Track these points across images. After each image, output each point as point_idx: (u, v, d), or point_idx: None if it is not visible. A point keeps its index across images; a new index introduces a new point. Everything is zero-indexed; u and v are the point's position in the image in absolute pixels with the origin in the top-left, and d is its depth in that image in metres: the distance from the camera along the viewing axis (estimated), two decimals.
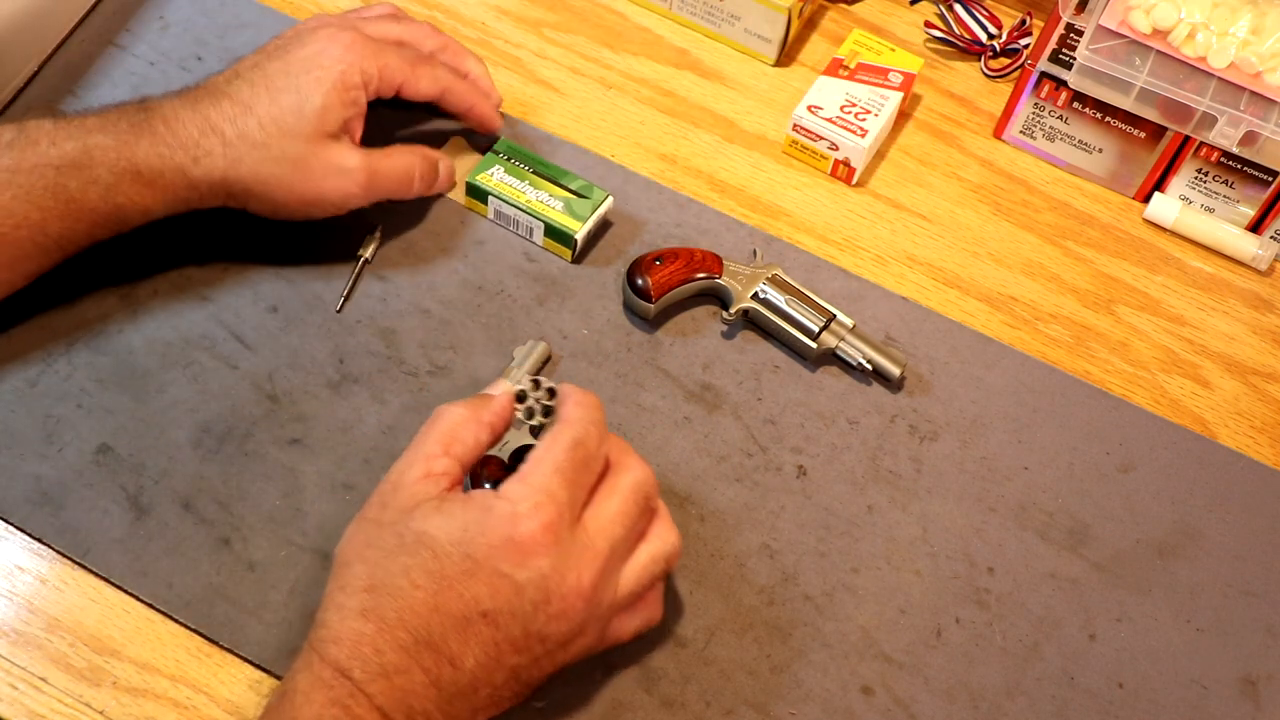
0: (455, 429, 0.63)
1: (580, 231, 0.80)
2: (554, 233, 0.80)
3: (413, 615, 0.57)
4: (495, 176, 0.81)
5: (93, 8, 0.89)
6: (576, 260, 0.81)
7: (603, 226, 0.83)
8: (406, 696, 0.56)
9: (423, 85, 0.76)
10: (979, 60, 0.96)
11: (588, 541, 0.60)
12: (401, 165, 0.77)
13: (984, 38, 0.95)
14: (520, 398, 0.70)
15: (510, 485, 0.60)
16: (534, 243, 0.81)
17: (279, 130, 0.71)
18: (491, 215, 0.82)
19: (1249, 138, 0.82)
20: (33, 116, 0.70)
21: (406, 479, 0.61)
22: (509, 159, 0.82)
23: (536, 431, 0.71)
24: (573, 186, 0.81)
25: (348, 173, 0.73)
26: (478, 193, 0.81)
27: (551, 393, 0.71)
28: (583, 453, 0.61)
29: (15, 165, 0.67)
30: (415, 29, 0.80)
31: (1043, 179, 0.91)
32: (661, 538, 0.64)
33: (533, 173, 0.81)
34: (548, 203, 0.80)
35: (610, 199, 0.81)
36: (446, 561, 0.58)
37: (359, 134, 0.75)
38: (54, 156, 0.68)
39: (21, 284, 0.71)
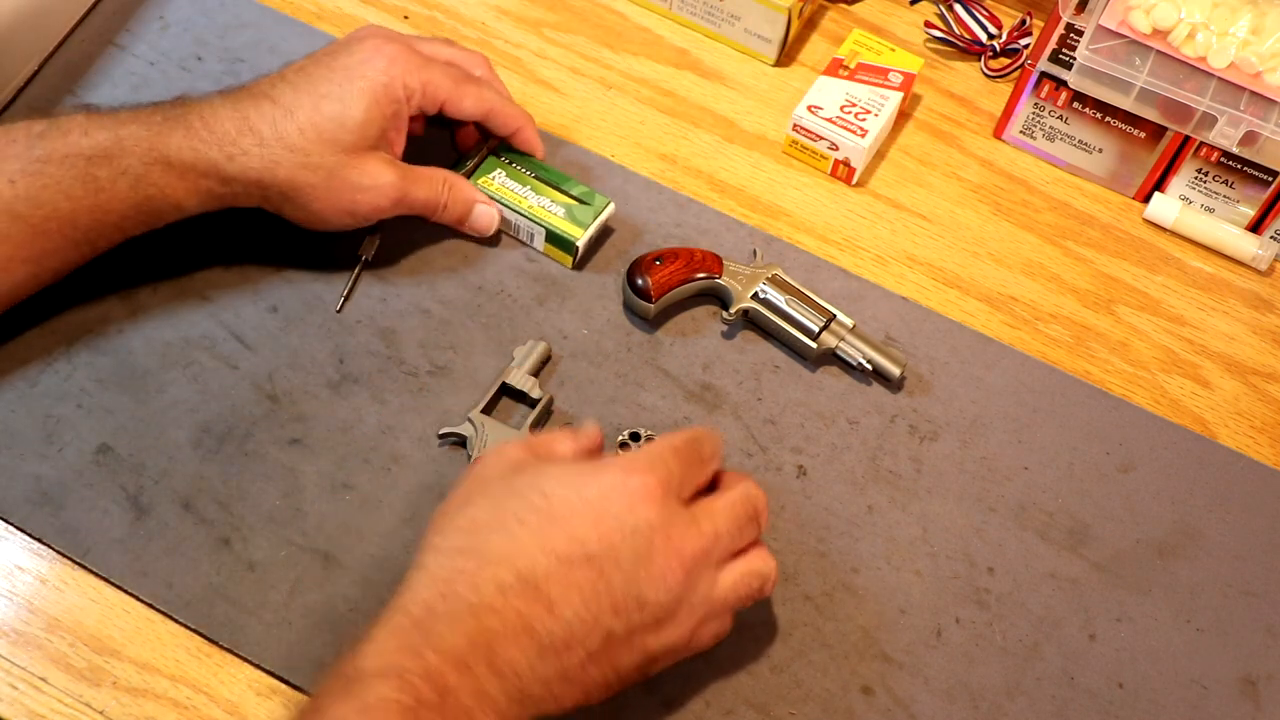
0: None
1: (582, 238, 0.79)
2: (555, 239, 0.80)
3: (518, 552, 0.56)
4: (497, 181, 0.81)
5: (92, 7, 0.89)
6: (577, 267, 0.81)
7: (604, 233, 0.83)
8: (493, 640, 0.54)
9: (467, 104, 0.76)
10: (979, 60, 0.96)
11: (692, 519, 0.60)
12: (433, 192, 0.76)
13: (984, 38, 0.95)
14: (622, 446, 0.72)
15: (624, 454, 0.61)
16: (534, 248, 0.81)
17: (319, 137, 0.70)
18: None
19: (1249, 138, 0.82)
20: (64, 111, 0.70)
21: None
22: (510, 163, 0.81)
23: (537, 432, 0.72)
24: (574, 192, 0.81)
25: (380, 189, 0.73)
26: None
27: (651, 440, 0.72)
28: (698, 448, 0.62)
29: (47, 155, 0.67)
30: (466, 55, 0.79)
31: (1043, 179, 0.91)
32: (763, 559, 0.63)
33: (534, 177, 0.81)
34: (549, 209, 0.80)
35: (611, 205, 0.81)
36: (556, 501, 0.57)
37: (399, 148, 0.75)
38: (85, 146, 0.67)
39: (49, 279, 0.70)
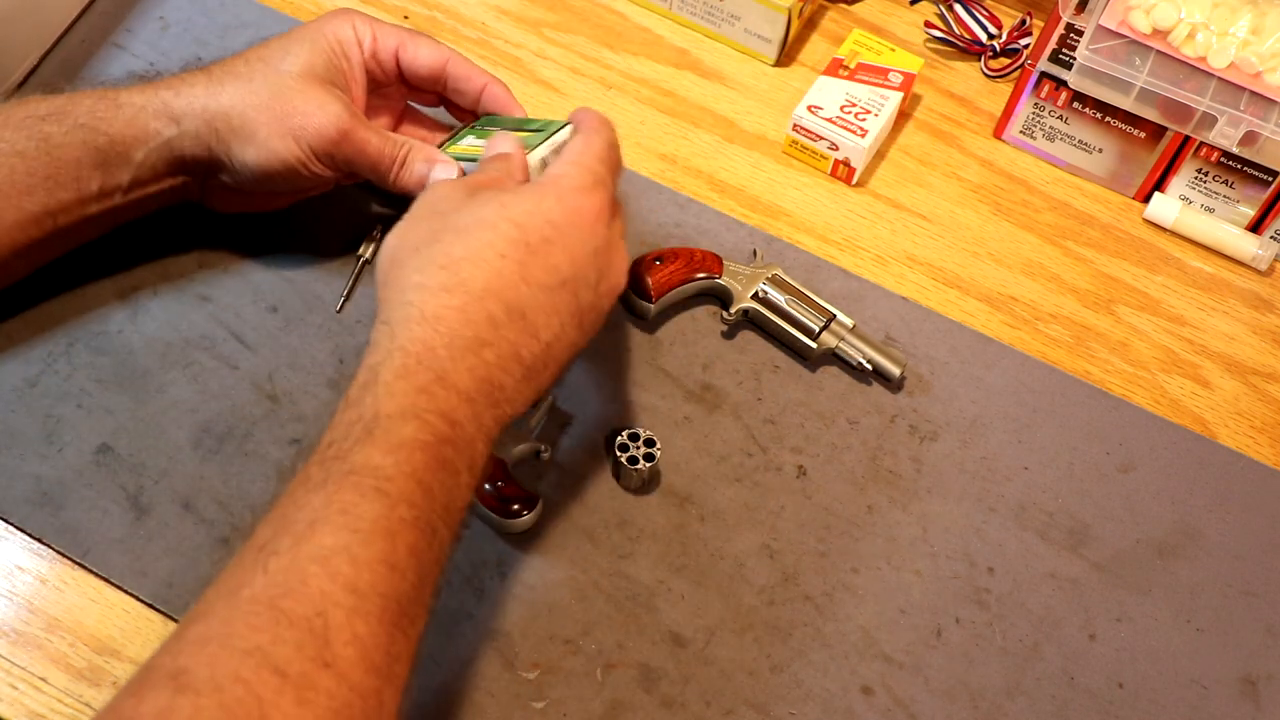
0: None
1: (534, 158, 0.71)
2: None
3: (503, 285, 0.58)
4: (463, 143, 0.76)
5: (90, 4, 0.89)
6: None
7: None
8: (490, 372, 0.57)
9: (423, 52, 0.74)
10: (979, 60, 0.96)
11: (620, 218, 0.65)
12: (387, 143, 0.72)
13: (984, 38, 0.95)
14: (622, 448, 0.71)
15: (562, 168, 0.62)
16: None
17: (264, 65, 0.71)
18: None
19: (1249, 138, 0.82)
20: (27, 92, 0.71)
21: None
22: (483, 128, 0.77)
23: (538, 445, 0.72)
24: (532, 127, 0.74)
25: (326, 116, 0.69)
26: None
27: (651, 442, 0.72)
28: (616, 155, 0.66)
29: (3, 121, 0.67)
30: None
31: (1043, 179, 0.91)
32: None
33: (501, 130, 0.74)
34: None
35: (569, 128, 0.71)
36: (530, 231, 0.59)
37: (359, 99, 0.74)
38: (40, 109, 0.68)
39: (15, 264, 0.70)
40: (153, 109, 0.69)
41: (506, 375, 0.58)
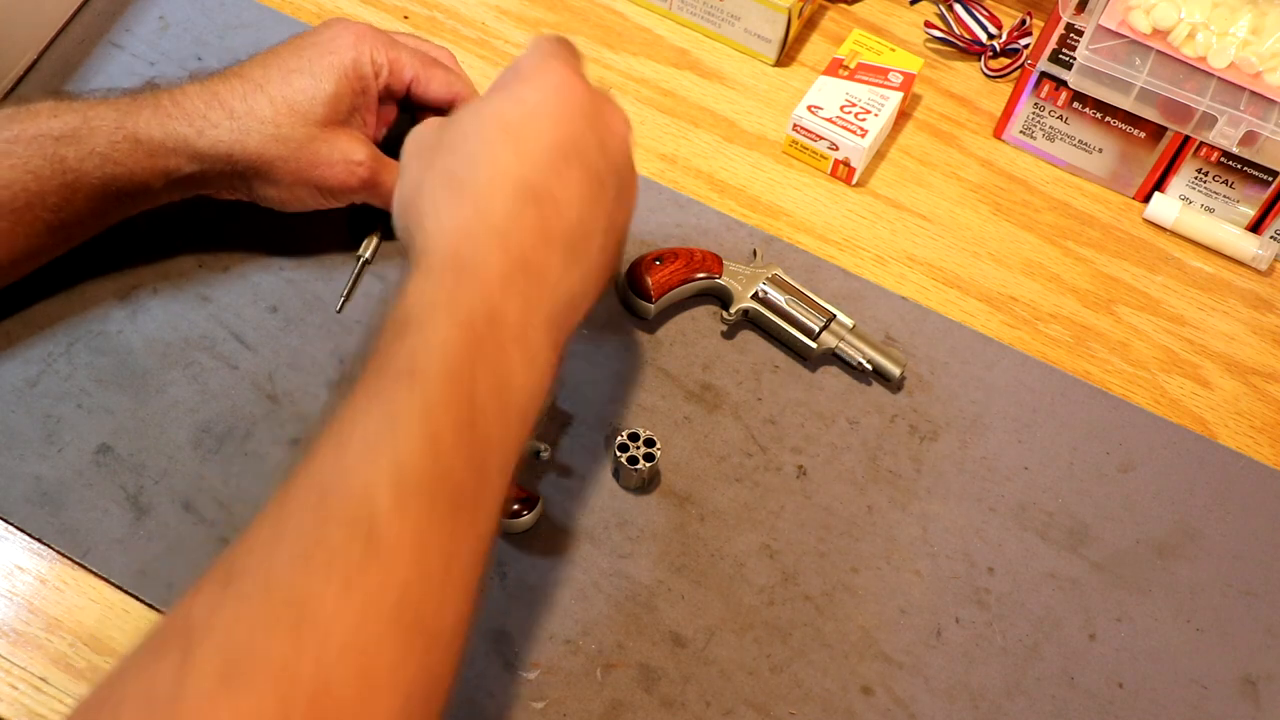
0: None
1: None
2: None
3: (508, 171, 0.58)
4: None
5: (86, 1, 0.88)
6: None
7: None
8: (524, 253, 0.57)
9: (434, 85, 0.75)
10: (979, 60, 0.96)
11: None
12: None
13: (984, 38, 0.95)
14: (622, 448, 0.71)
15: (530, 58, 0.62)
16: None
17: (290, 110, 0.71)
18: None
19: (1249, 138, 0.82)
20: (36, 97, 0.71)
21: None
22: None
23: (538, 445, 0.72)
24: None
25: (352, 166, 0.73)
26: None
27: (651, 442, 0.72)
28: (567, 44, 0.66)
29: (15, 136, 0.67)
30: (432, 47, 0.79)
31: (1043, 179, 0.91)
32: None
33: None
34: None
35: None
36: (506, 114, 0.60)
37: (371, 129, 0.75)
38: (54, 128, 0.68)
39: (23, 267, 0.70)
40: (172, 145, 0.69)
41: (542, 254, 0.57)
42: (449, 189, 0.58)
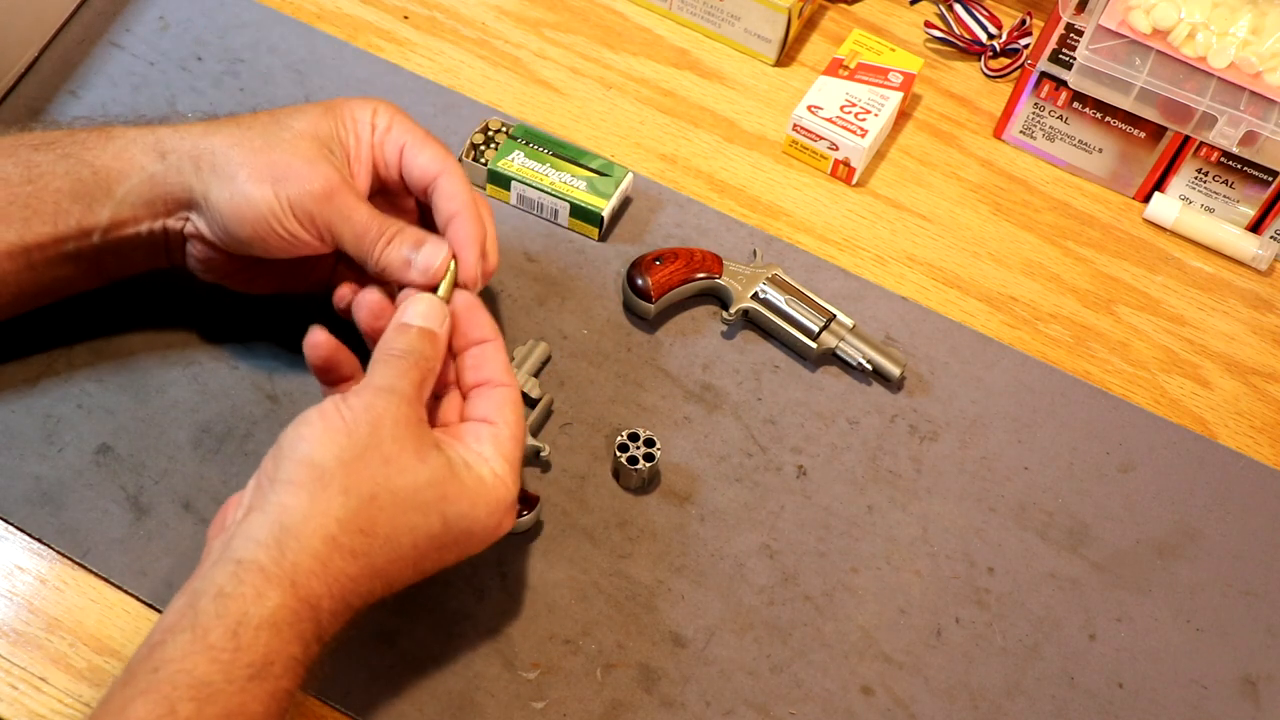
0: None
1: (606, 209, 0.81)
2: (580, 213, 0.81)
3: (401, 568, 0.59)
4: (516, 161, 0.82)
5: (84, 1, 0.89)
6: (603, 238, 0.82)
7: (625, 202, 0.84)
8: (352, 601, 0.58)
9: (421, 158, 0.68)
10: (979, 60, 0.96)
11: None
12: (377, 218, 0.66)
13: (984, 38, 0.95)
14: (622, 448, 0.72)
15: (501, 464, 0.62)
16: (559, 224, 0.82)
17: (269, 118, 0.68)
18: (514, 200, 0.83)
19: (1249, 138, 0.82)
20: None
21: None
22: (527, 143, 0.83)
23: (538, 445, 0.72)
24: (593, 165, 0.82)
25: (317, 170, 0.65)
26: (500, 179, 0.82)
27: (650, 442, 0.72)
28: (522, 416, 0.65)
29: None
30: (471, 193, 0.70)
31: (1043, 179, 0.91)
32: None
33: (552, 155, 0.82)
34: (571, 183, 0.81)
35: (631, 175, 0.83)
36: (450, 531, 0.60)
37: (362, 185, 0.68)
38: (33, 138, 0.67)
39: None
40: (143, 143, 0.67)
41: (359, 601, 0.59)
42: (360, 540, 0.58)
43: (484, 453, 0.62)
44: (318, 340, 0.65)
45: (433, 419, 0.65)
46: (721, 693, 0.67)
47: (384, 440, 0.58)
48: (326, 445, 0.58)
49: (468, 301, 0.66)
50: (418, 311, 0.64)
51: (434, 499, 0.59)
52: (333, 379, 0.66)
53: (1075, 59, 0.83)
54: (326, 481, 0.57)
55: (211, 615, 0.54)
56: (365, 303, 0.67)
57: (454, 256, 0.66)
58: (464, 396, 0.65)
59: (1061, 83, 0.86)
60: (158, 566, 0.68)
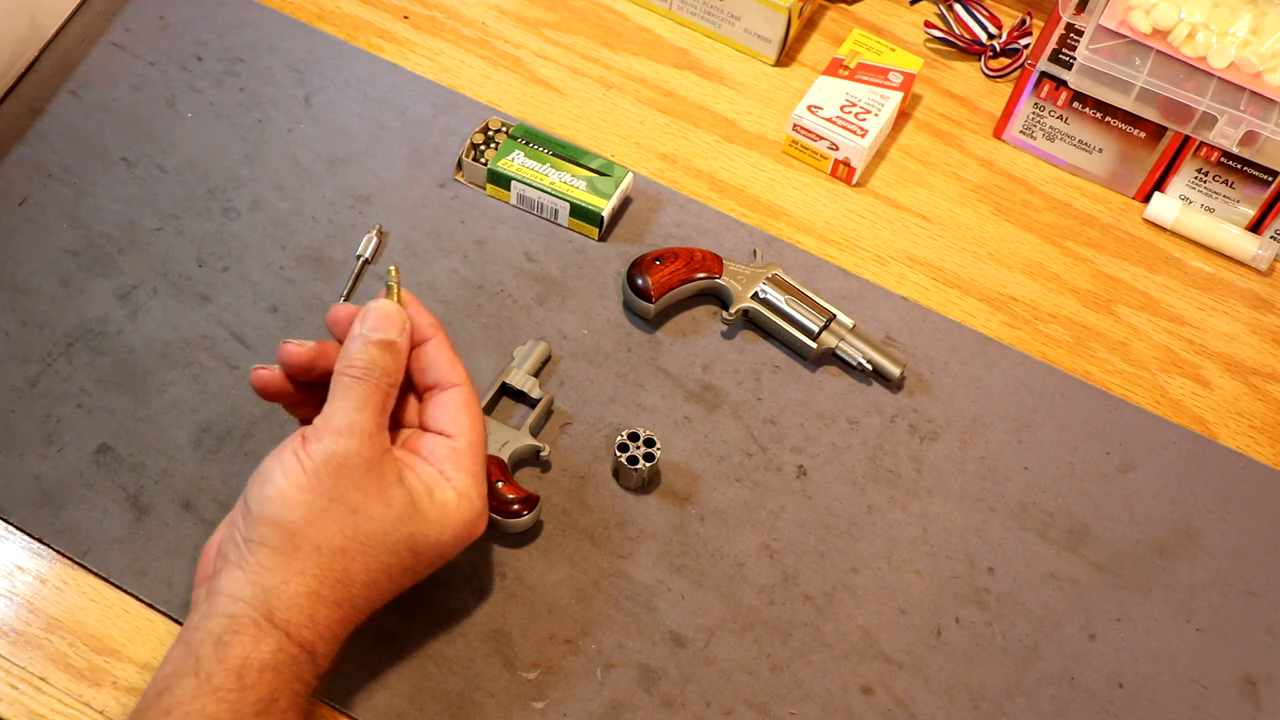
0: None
1: (606, 209, 0.81)
2: (580, 212, 0.81)
3: (379, 596, 0.61)
4: (516, 161, 0.82)
5: (84, 1, 0.89)
6: (603, 238, 0.82)
7: (625, 203, 0.84)
8: (340, 635, 0.60)
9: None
10: (979, 60, 0.96)
11: None
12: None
13: (984, 38, 0.95)
14: (622, 448, 0.71)
15: (463, 480, 0.62)
16: (559, 224, 0.82)
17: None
18: (514, 200, 0.83)
19: (1249, 138, 0.82)
20: None
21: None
22: (527, 143, 0.83)
23: (538, 445, 0.72)
24: (593, 165, 0.82)
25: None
26: (500, 179, 0.82)
27: (650, 442, 0.72)
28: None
29: None
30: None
31: (1043, 179, 0.91)
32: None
33: (552, 155, 0.83)
34: (571, 183, 0.81)
35: (630, 175, 0.83)
36: (420, 560, 0.62)
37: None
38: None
39: None
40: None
41: (342, 629, 0.61)
42: (339, 590, 0.59)
43: (445, 471, 0.63)
44: (260, 376, 0.65)
45: (395, 420, 0.65)
46: (721, 693, 0.67)
47: (348, 491, 0.59)
48: (294, 506, 0.59)
49: (404, 300, 0.65)
50: (373, 323, 0.63)
51: (403, 537, 0.61)
52: (290, 400, 0.66)
53: (1075, 59, 0.83)
54: (298, 542, 0.58)
55: (213, 661, 0.56)
56: (289, 351, 0.65)
57: (395, 266, 0.66)
58: (419, 398, 0.66)
59: (1061, 83, 0.86)
60: (158, 566, 0.68)
